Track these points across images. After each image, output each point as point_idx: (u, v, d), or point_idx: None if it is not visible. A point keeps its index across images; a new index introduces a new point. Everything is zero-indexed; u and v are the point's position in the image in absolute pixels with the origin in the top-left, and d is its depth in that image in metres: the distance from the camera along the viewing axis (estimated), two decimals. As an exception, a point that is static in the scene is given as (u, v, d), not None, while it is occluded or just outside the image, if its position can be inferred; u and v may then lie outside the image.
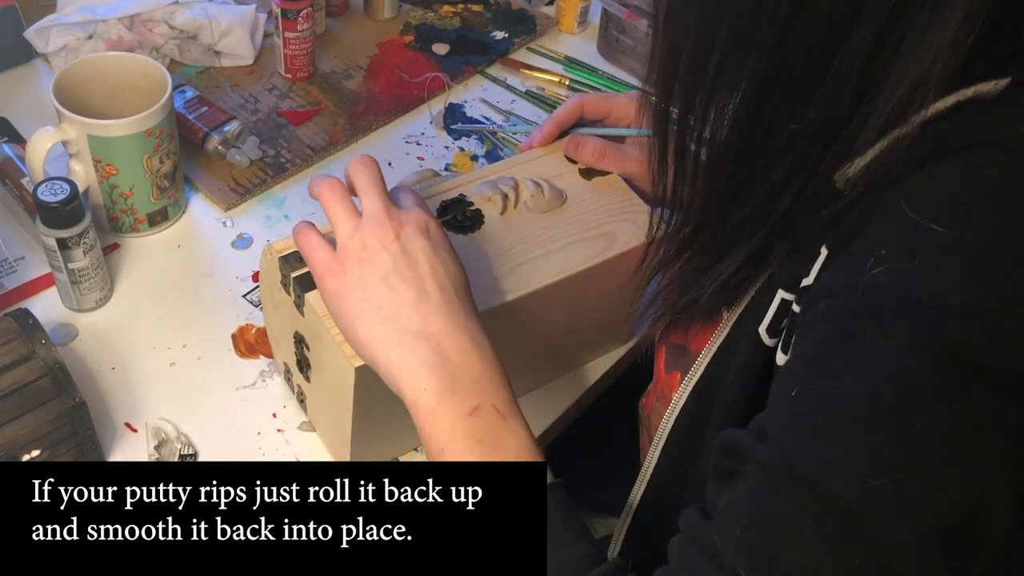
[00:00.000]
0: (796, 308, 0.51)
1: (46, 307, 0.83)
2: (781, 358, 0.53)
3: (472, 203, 0.75)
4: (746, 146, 0.51)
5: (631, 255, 0.74)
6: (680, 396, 0.62)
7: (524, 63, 1.16)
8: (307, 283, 0.66)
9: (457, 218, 0.73)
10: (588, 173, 0.78)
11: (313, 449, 0.76)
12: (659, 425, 0.65)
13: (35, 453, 0.67)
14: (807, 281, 0.50)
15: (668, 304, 0.61)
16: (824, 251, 0.49)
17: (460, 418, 0.55)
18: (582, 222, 0.75)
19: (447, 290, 0.59)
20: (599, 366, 0.86)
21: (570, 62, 1.17)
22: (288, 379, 0.78)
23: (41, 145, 0.81)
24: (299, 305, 0.67)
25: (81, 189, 0.82)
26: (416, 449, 0.77)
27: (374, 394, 0.66)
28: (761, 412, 0.50)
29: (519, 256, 0.72)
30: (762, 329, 0.54)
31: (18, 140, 0.94)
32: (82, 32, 1.00)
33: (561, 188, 0.76)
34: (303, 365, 0.73)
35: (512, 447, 0.56)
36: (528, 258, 0.72)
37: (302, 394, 0.76)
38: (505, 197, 0.75)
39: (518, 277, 0.70)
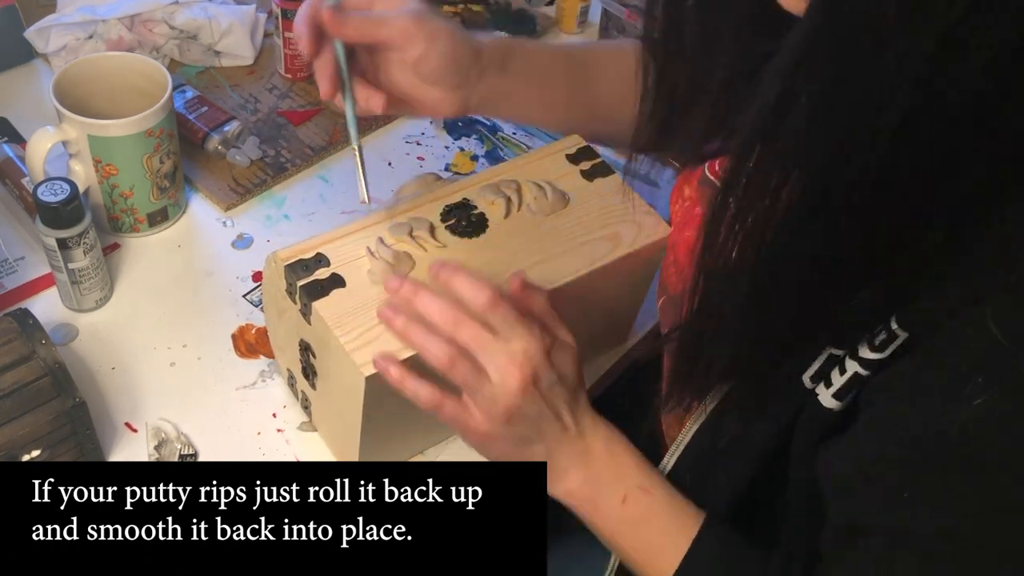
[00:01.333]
0: (862, 372, 0.53)
1: (46, 307, 0.83)
2: (831, 402, 0.55)
3: (476, 207, 0.74)
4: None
5: (635, 256, 0.74)
6: (705, 409, 0.63)
7: (524, 63, 1.16)
8: (314, 291, 0.66)
9: (461, 223, 0.73)
10: (590, 174, 0.78)
11: (313, 449, 0.76)
12: (680, 426, 0.67)
13: (35, 453, 0.67)
14: (878, 356, 0.52)
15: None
16: (900, 331, 0.50)
17: (615, 509, 0.64)
18: (585, 224, 0.75)
19: (576, 409, 0.64)
20: (597, 368, 0.86)
21: (570, 62, 1.17)
22: (292, 385, 0.78)
23: (41, 145, 0.81)
24: (306, 314, 0.67)
25: (81, 189, 0.82)
26: (423, 452, 0.77)
27: (382, 402, 0.66)
28: (804, 438, 0.55)
29: (526, 259, 0.72)
30: (807, 376, 0.56)
31: (18, 140, 0.94)
32: (82, 32, 1.00)
33: (563, 190, 0.76)
34: (309, 372, 0.72)
35: (662, 514, 0.64)
36: (535, 261, 0.72)
37: (307, 400, 0.76)
38: (508, 200, 0.75)
39: None
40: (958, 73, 0.41)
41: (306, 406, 0.77)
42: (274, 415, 0.78)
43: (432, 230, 0.72)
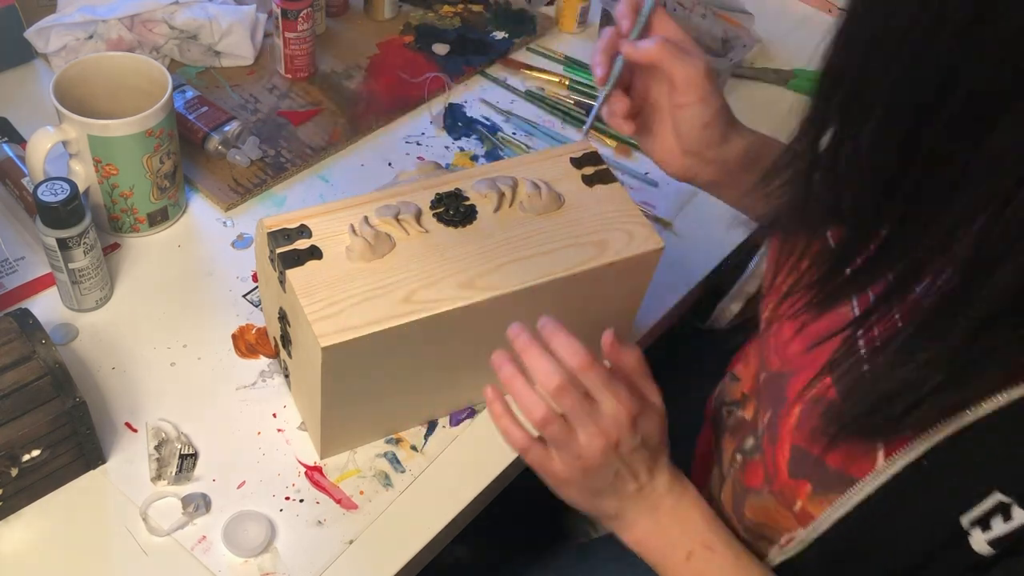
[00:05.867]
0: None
1: (46, 307, 0.83)
2: (984, 548, 0.52)
3: (467, 198, 0.75)
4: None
5: (621, 265, 0.74)
6: (821, 523, 0.60)
7: (524, 63, 1.16)
8: (290, 260, 0.68)
9: (450, 211, 0.73)
10: (591, 180, 0.78)
11: (313, 449, 0.76)
12: (769, 518, 0.66)
13: (35, 453, 0.67)
14: None
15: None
16: None
17: (681, 565, 0.65)
18: (576, 228, 0.75)
19: (656, 464, 0.65)
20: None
21: (570, 62, 1.17)
22: (277, 355, 0.80)
23: (41, 145, 0.81)
24: (281, 281, 0.69)
25: (81, 189, 0.82)
26: (399, 434, 0.78)
27: (344, 377, 0.67)
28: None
29: (505, 255, 0.72)
30: (966, 520, 0.52)
31: (18, 140, 0.94)
32: (82, 32, 1.00)
33: (560, 192, 0.76)
34: (286, 341, 0.74)
35: (725, 570, 0.65)
36: (514, 258, 0.72)
37: (287, 369, 0.78)
38: (501, 195, 0.75)
39: (500, 276, 0.70)
40: None
41: (286, 375, 0.79)
42: (274, 415, 0.78)
43: (419, 215, 0.72)
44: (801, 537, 0.62)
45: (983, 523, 0.52)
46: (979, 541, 0.52)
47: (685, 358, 1.03)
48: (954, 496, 0.53)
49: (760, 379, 0.71)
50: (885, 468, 0.55)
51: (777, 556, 0.65)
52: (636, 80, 0.76)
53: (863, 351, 0.56)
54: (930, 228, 0.47)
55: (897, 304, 0.53)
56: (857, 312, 0.59)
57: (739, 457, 0.73)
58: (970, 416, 0.51)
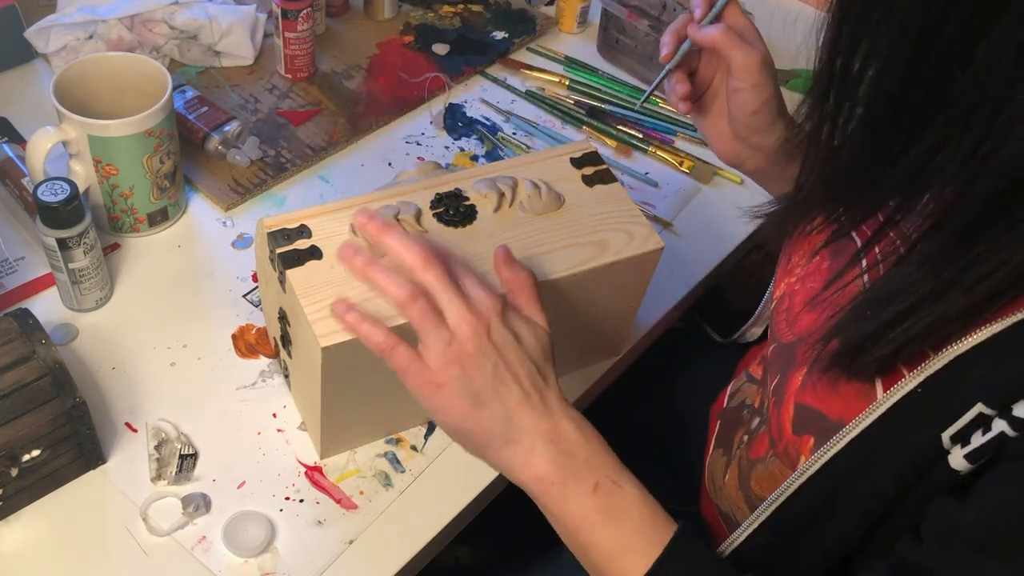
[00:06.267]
0: (1010, 432, 0.50)
1: (46, 307, 0.83)
2: (960, 463, 0.52)
3: (468, 198, 0.75)
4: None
5: (621, 265, 0.74)
6: (811, 464, 0.60)
7: (524, 63, 1.16)
8: (289, 260, 0.68)
9: (449, 211, 0.73)
10: (591, 180, 0.78)
11: (313, 449, 0.76)
12: (774, 483, 0.64)
13: (35, 453, 0.67)
14: None
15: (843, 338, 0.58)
16: None
17: (585, 498, 0.60)
18: (575, 228, 0.75)
19: (542, 371, 0.62)
20: (589, 375, 0.86)
21: (570, 62, 1.17)
22: (278, 355, 0.80)
23: (41, 145, 0.81)
24: (281, 281, 0.69)
25: (81, 189, 0.82)
26: (399, 433, 0.78)
27: (343, 376, 0.67)
28: (937, 519, 0.52)
29: None
30: (947, 435, 0.53)
31: (18, 140, 0.94)
32: (82, 32, 1.00)
33: (560, 192, 0.76)
34: (286, 341, 0.74)
35: (634, 510, 0.61)
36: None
37: (286, 369, 0.78)
38: (501, 195, 0.75)
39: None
40: None
41: (286, 374, 0.79)
42: (274, 415, 0.78)
43: (419, 215, 0.72)
44: (793, 479, 0.62)
45: (963, 438, 0.52)
46: (957, 457, 0.52)
47: (686, 366, 1.03)
48: (939, 415, 0.53)
49: (770, 351, 0.72)
50: (878, 405, 0.56)
51: (764, 512, 0.64)
52: (702, 67, 0.81)
53: (868, 311, 0.57)
54: (924, 144, 0.50)
55: (893, 232, 0.56)
56: (863, 259, 0.61)
57: (746, 438, 0.74)
58: (961, 347, 0.52)
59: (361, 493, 0.74)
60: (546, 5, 1.25)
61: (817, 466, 0.60)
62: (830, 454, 0.59)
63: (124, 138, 0.82)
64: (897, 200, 0.55)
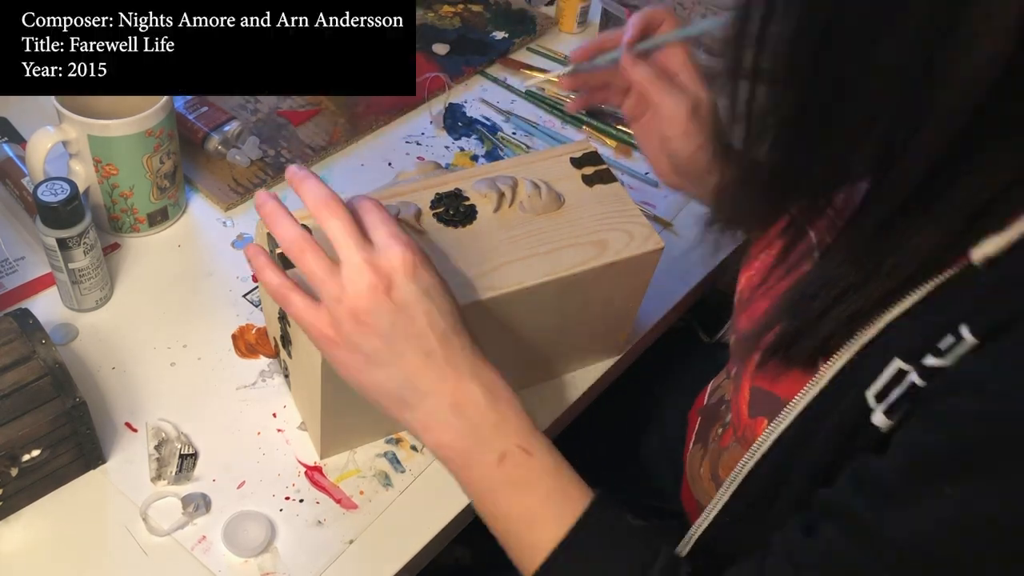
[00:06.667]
0: (919, 382, 0.50)
1: (46, 307, 0.83)
2: (880, 419, 0.52)
3: (467, 198, 0.75)
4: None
5: (621, 265, 0.74)
6: (763, 442, 0.60)
7: (524, 63, 1.16)
8: (289, 260, 0.67)
9: (449, 211, 0.73)
10: (591, 180, 0.78)
11: (313, 449, 0.76)
12: (734, 467, 0.64)
13: (35, 453, 0.67)
14: (941, 362, 0.49)
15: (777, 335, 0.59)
16: (969, 338, 0.48)
17: (491, 468, 0.58)
18: (576, 227, 0.75)
19: (449, 339, 0.58)
20: (589, 375, 0.86)
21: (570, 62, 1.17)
22: (278, 355, 0.80)
23: (41, 145, 0.81)
24: None
25: (81, 189, 0.82)
26: (399, 433, 0.78)
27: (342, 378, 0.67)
28: (856, 468, 0.52)
29: (505, 255, 0.72)
30: (870, 394, 0.53)
31: (18, 140, 0.94)
32: (82, 32, 1.00)
33: (560, 192, 0.76)
34: (286, 341, 0.74)
35: (544, 480, 0.58)
36: (514, 258, 0.72)
37: (287, 369, 0.78)
38: (501, 195, 0.75)
39: (499, 276, 0.70)
40: None
41: (286, 374, 0.79)
42: (274, 415, 0.78)
43: (418, 215, 0.72)
44: (747, 458, 0.62)
45: (884, 395, 0.52)
46: (879, 415, 0.52)
47: (680, 365, 1.03)
48: (865, 376, 0.53)
49: (732, 342, 0.72)
50: (819, 379, 0.56)
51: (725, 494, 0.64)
52: (633, 97, 0.78)
53: (796, 307, 0.58)
54: (837, 149, 0.50)
55: (820, 219, 0.57)
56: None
57: (720, 431, 0.74)
58: (893, 313, 0.53)
59: (361, 493, 0.74)
60: (546, 5, 1.25)
61: (768, 444, 0.60)
62: (778, 432, 0.59)
63: (124, 138, 0.82)
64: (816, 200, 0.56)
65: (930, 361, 0.49)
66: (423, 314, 0.57)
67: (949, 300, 0.50)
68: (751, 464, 0.61)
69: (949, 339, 0.48)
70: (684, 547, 0.64)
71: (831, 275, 0.54)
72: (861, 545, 0.49)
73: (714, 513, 0.64)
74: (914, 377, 0.50)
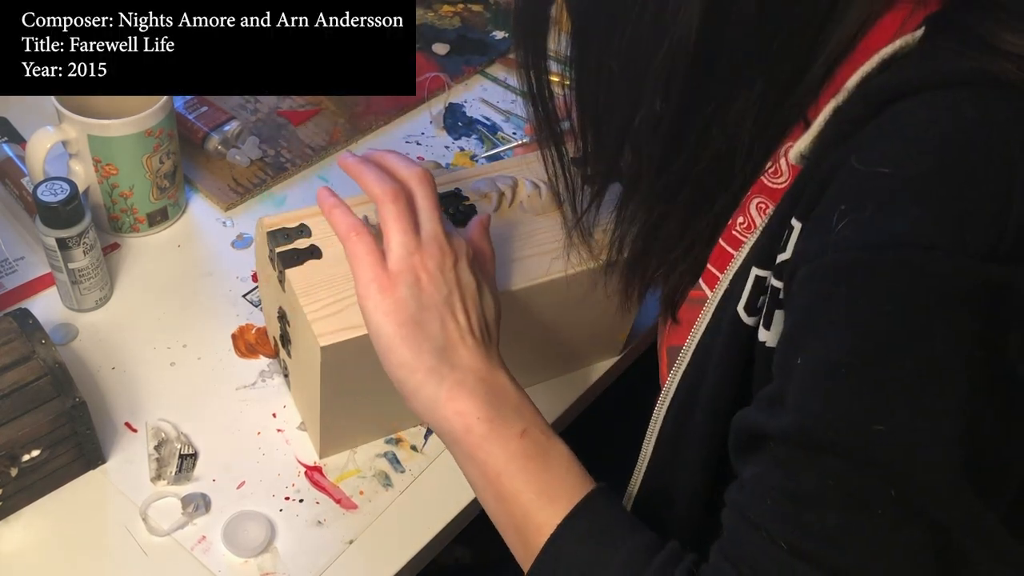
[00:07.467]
0: (776, 283, 0.52)
1: (46, 307, 0.83)
2: (764, 334, 0.53)
3: (467, 198, 0.75)
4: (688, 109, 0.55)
5: None
6: (669, 388, 0.62)
7: (524, 63, 1.16)
8: (289, 259, 0.68)
9: (449, 211, 0.73)
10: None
11: (313, 449, 0.76)
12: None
13: (35, 453, 0.67)
14: (784, 256, 0.51)
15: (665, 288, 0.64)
16: (797, 224, 0.50)
17: (512, 440, 0.59)
18: None
19: (488, 329, 0.63)
20: (592, 372, 0.86)
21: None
22: (277, 355, 0.80)
23: (41, 145, 0.81)
24: (281, 280, 0.69)
25: (81, 189, 0.82)
26: (398, 433, 0.78)
27: (342, 376, 0.67)
28: (755, 388, 0.53)
29: (504, 255, 0.72)
30: (740, 308, 0.55)
31: (18, 140, 0.94)
32: (82, 32, 1.00)
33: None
34: (285, 340, 0.74)
35: (561, 462, 0.60)
36: (513, 258, 0.72)
37: (286, 368, 0.78)
38: (501, 195, 0.75)
39: (500, 276, 0.70)
40: None
41: (286, 374, 0.79)
42: (274, 415, 0.78)
43: None
44: (657, 410, 0.63)
45: (752, 305, 0.54)
46: (762, 331, 0.53)
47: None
48: (734, 294, 0.55)
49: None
50: (704, 314, 0.59)
51: (648, 446, 0.65)
52: None
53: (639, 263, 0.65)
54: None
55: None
56: None
57: None
58: (746, 241, 0.56)
59: (361, 493, 0.74)
60: (546, 5, 1.25)
61: (672, 390, 0.61)
62: (679, 375, 0.60)
63: (124, 138, 0.82)
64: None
65: (780, 258, 0.51)
66: (474, 298, 0.62)
67: (784, 203, 0.52)
68: (663, 413, 0.62)
69: (787, 234, 0.51)
70: (627, 503, 0.66)
71: (658, 244, 0.61)
72: (788, 465, 0.47)
73: (642, 474, 0.65)
74: (773, 281, 0.52)
